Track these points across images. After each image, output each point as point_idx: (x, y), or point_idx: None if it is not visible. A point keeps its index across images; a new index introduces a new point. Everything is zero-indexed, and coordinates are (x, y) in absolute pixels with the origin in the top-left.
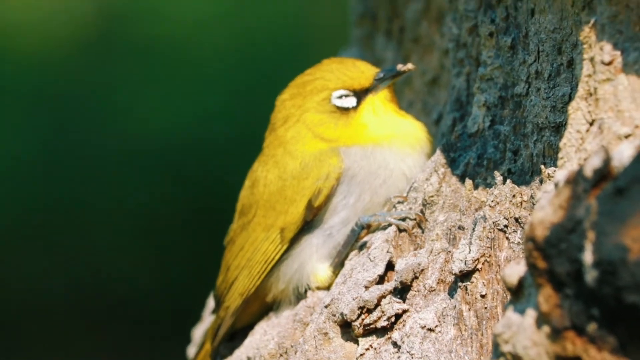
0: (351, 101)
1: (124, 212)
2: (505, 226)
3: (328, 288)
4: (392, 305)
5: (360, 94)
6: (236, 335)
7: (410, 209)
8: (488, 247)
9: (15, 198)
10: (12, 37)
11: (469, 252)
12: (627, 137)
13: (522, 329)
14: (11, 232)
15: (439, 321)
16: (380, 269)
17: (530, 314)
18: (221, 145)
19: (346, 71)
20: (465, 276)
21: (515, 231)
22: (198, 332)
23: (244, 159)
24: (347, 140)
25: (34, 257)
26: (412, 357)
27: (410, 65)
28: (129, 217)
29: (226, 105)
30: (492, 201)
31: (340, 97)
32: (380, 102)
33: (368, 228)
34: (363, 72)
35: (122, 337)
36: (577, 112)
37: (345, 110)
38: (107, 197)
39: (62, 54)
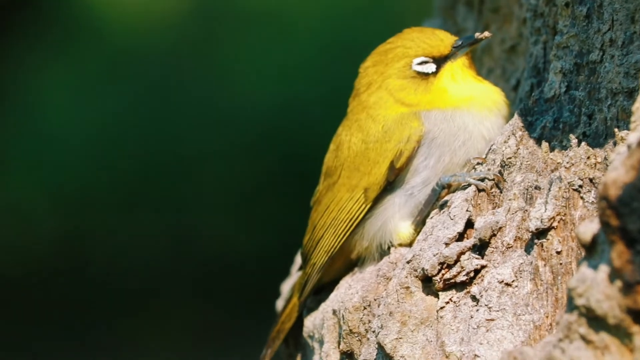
0: (431, 67)
1: (215, 174)
2: (580, 186)
3: (410, 245)
4: (471, 261)
5: (440, 61)
6: (322, 289)
7: (489, 169)
8: (563, 206)
9: (114, 155)
10: (115, 6)
11: (545, 211)
12: None
13: (596, 283)
14: (109, 192)
15: (516, 276)
16: (460, 227)
17: (604, 269)
18: (309, 110)
19: (426, 39)
20: (541, 234)
21: (589, 191)
22: (286, 287)
23: (330, 123)
24: (427, 104)
25: (135, 224)
26: (489, 310)
27: (487, 33)
28: (221, 178)
29: (314, 69)
30: (568, 162)
31: (421, 63)
32: (458, 68)
33: (448, 188)
34: (442, 40)
35: (215, 291)
36: None
37: (425, 75)
38: (199, 156)
39: (164, 24)
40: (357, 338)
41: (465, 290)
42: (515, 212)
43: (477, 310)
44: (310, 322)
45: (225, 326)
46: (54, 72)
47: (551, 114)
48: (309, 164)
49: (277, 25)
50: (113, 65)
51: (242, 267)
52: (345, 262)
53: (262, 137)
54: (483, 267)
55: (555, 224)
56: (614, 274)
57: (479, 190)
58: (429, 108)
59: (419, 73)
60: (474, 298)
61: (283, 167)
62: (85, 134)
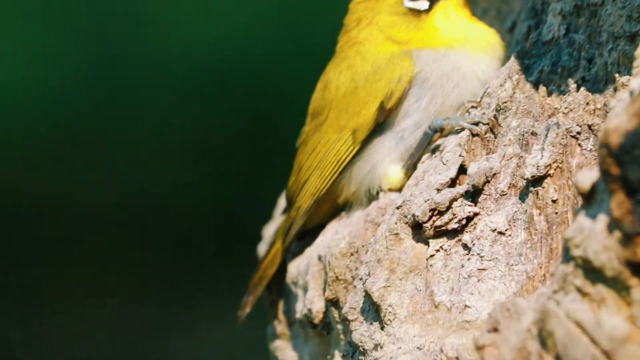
0: (423, 4)
1: (173, 127)
2: (578, 133)
3: (400, 190)
4: (463, 208)
5: None
6: (307, 234)
7: (484, 113)
8: (560, 153)
9: (58, 116)
10: None
11: (542, 158)
12: None
13: (594, 233)
14: (59, 149)
15: (510, 225)
16: (453, 172)
17: (602, 219)
18: (269, 57)
19: None
20: (537, 181)
21: (587, 138)
22: (269, 231)
23: (295, 71)
24: (419, 43)
25: (82, 174)
26: (481, 259)
27: None
28: (178, 131)
29: (273, 17)
30: (566, 108)
31: (413, 0)
32: (452, 6)
33: (441, 131)
34: None
35: (195, 242)
36: None
37: (417, 12)
38: (154, 113)
39: None
40: (343, 285)
41: (456, 239)
42: (510, 158)
43: (469, 259)
44: (294, 267)
45: (197, 272)
46: None
47: (549, 57)
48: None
49: None
50: (52, 14)
51: (217, 214)
52: (332, 206)
53: (220, 84)
54: (476, 214)
55: (551, 172)
56: (613, 225)
57: (473, 135)
58: (421, 47)
59: (411, 10)
60: (465, 246)
61: (248, 114)
62: (27, 88)
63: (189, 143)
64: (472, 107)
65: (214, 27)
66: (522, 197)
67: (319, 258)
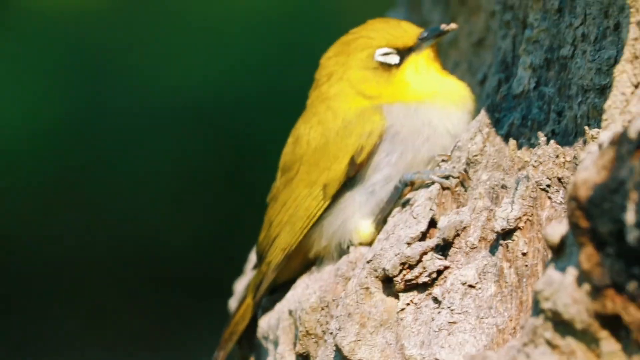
0: (394, 59)
1: (157, 172)
2: (548, 186)
3: (370, 244)
4: (433, 262)
5: (404, 53)
6: (278, 289)
7: (454, 167)
8: (530, 206)
9: (47, 158)
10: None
11: (512, 211)
12: None
13: (563, 286)
14: (44, 192)
15: (480, 278)
16: (423, 226)
17: (572, 272)
18: (252, 103)
19: (390, 30)
20: (507, 234)
21: (557, 191)
22: (240, 286)
23: (277, 116)
24: (390, 97)
25: (69, 217)
26: (452, 313)
27: (453, 25)
28: (163, 176)
29: (258, 63)
30: (536, 161)
31: (384, 54)
32: (423, 60)
33: (411, 185)
34: (407, 31)
35: (164, 294)
36: (623, 74)
37: (388, 66)
38: (139, 156)
39: (91, 9)
40: (313, 340)
41: (427, 292)
42: (481, 211)
43: (439, 312)
44: (265, 322)
45: (168, 326)
46: None
47: (519, 110)
48: (243, 160)
49: (211, 23)
50: (34, 52)
51: (190, 266)
52: (303, 261)
53: (202, 125)
54: (446, 267)
55: (521, 225)
56: (583, 277)
57: (443, 189)
58: (392, 101)
59: (381, 64)
60: (435, 300)
61: (215, 161)
62: (6, 123)
63: (174, 185)
64: (443, 160)
65: (197, 72)
66: (492, 250)
67: (290, 312)
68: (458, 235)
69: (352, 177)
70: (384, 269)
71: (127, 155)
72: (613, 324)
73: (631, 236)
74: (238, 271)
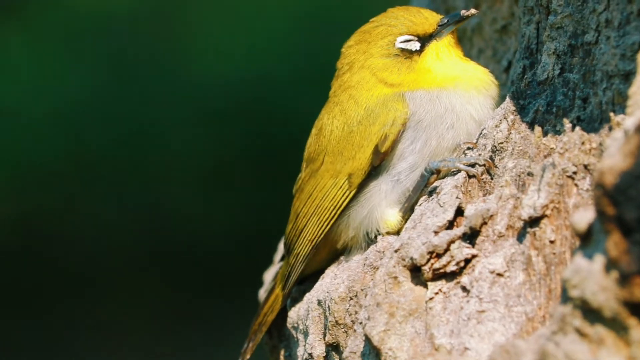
0: (415, 45)
1: (190, 157)
2: (574, 173)
3: (398, 233)
4: (461, 250)
5: (424, 40)
6: (306, 279)
7: (480, 155)
8: (557, 193)
9: (82, 139)
10: None
11: (538, 199)
12: None
13: (591, 274)
14: (79, 175)
15: (508, 266)
16: (450, 215)
17: (599, 260)
18: (286, 92)
19: (410, 17)
20: (534, 222)
21: (584, 178)
22: (269, 276)
23: (303, 100)
24: (412, 84)
25: (97, 209)
26: (480, 301)
27: (473, 10)
28: (195, 160)
29: (286, 45)
30: (561, 148)
31: (404, 41)
32: (444, 47)
33: (437, 173)
34: (427, 18)
35: (194, 282)
36: None
37: (409, 54)
38: (175, 141)
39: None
40: (343, 329)
41: (455, 281)
42: (507, 199)
43: (468, 301)
44: (294, 313)
45: (199, 314)
46: (7, 42)
47: (544, 97)
48: (280, 142)
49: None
50: (72, 36)
51: (220, 255)
52: (330, 251)
53: (233, 114)
54: (474, 256)
55: (548, 212)
56: (610, 265)
57: (470, 177)
58: (414, 89)
59: (402, 51)
60: (464, 289)
61: (253, 144)
62: (43, 108)
63: (205, 177)
64: (468, 148)
65: (231, 62)
66: (520, 238)
67: (319, 303)
68: (485, 223)
69: (377, 166)
70: (411, 258)
71: (157, 146)
72: None
73: None
74: (268, 261)
